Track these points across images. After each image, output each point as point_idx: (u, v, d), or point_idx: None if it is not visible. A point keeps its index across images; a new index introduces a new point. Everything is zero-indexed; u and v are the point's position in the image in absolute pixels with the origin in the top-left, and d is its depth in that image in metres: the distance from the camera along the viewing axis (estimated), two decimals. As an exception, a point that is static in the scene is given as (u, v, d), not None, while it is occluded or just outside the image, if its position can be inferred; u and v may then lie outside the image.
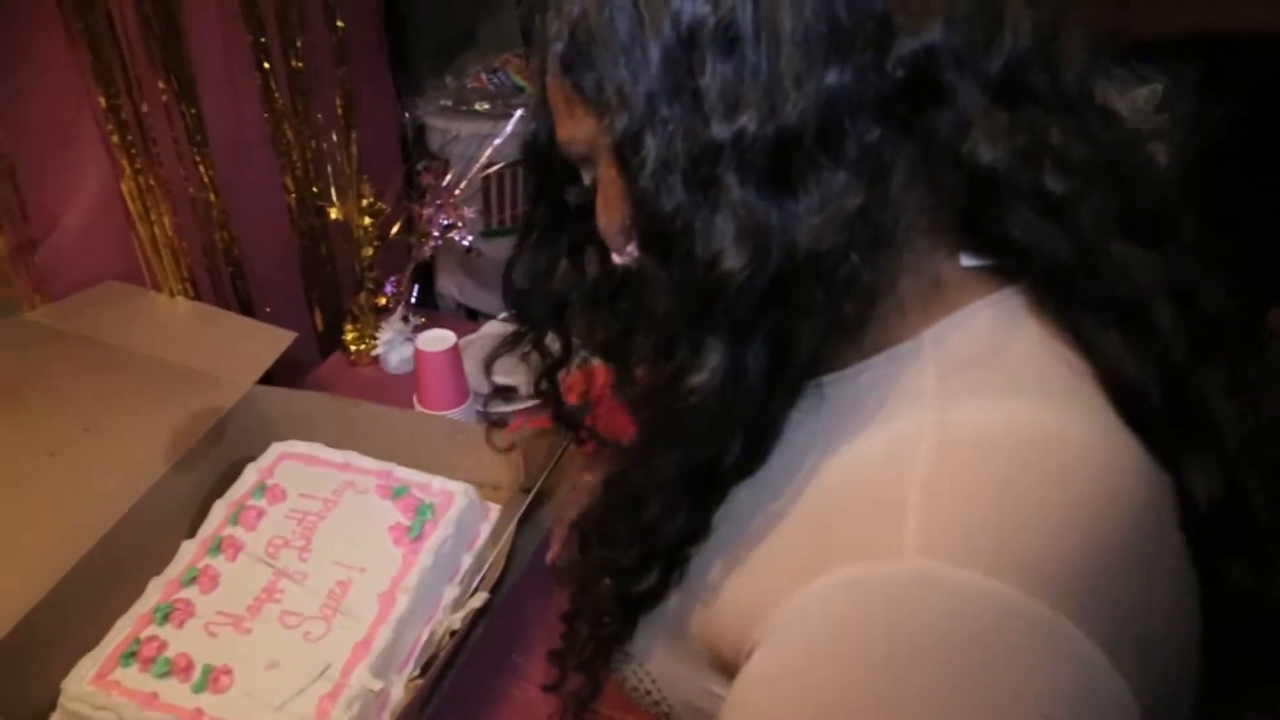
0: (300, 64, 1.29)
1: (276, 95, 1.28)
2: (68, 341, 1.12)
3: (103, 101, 1.08)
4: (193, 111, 1.18)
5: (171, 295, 1.23)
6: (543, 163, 0.55)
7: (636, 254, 0.47)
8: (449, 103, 1.76)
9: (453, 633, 0.85)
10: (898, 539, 0.38)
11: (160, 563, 0.95)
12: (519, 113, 1.55)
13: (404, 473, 1.04)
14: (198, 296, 1.26)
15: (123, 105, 1.09)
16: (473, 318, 1.86)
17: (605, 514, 0.52)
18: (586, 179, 0.53)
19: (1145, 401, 0.42)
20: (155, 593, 0.91)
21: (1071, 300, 0.43)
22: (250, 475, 1.04)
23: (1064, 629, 0.36)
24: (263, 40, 1.24)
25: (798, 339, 0.43)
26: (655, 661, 0.55)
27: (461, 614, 0.85)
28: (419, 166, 1.76)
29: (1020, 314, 0.45)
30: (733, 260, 0.41)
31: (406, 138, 1.74)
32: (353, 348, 1.37)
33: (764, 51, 0.39)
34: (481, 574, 0.92)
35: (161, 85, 1.14)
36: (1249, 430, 0.43)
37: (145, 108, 1.12)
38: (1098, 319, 0.43)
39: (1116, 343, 0.42)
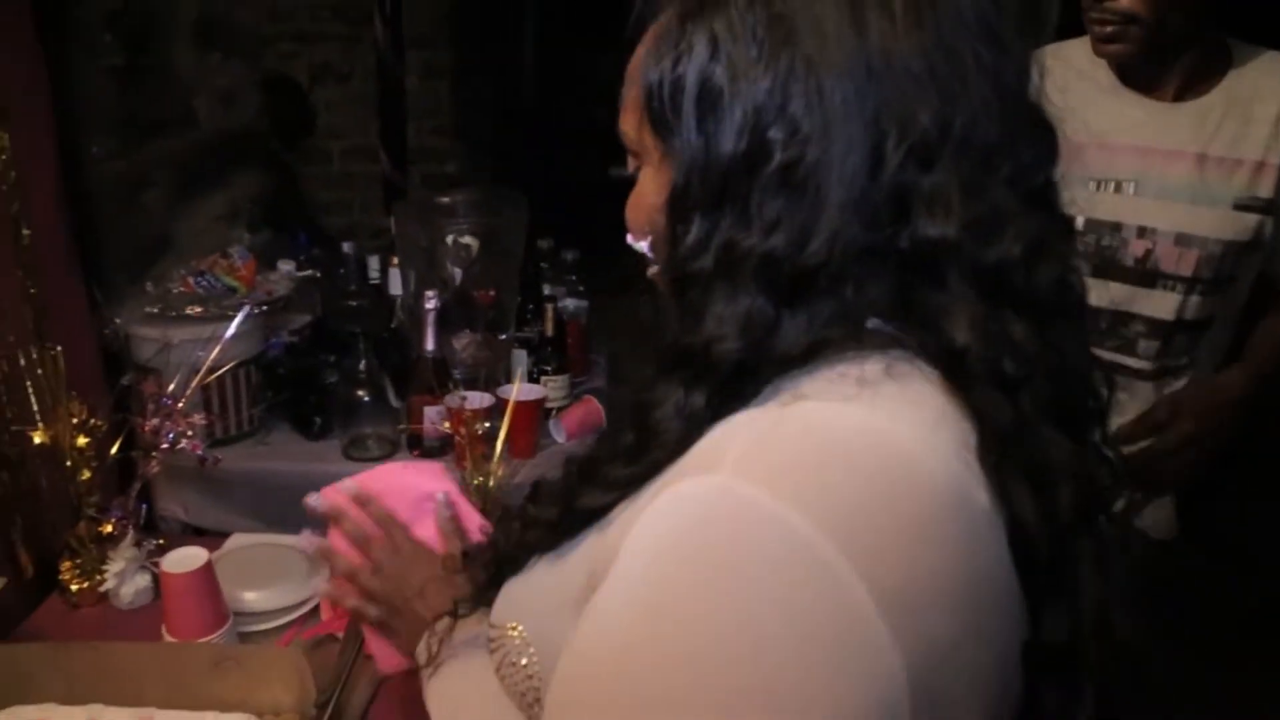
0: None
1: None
2: None
3: None
4: None
5: None
6: None
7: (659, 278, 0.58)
8: (155, 310, 1.64)
9: None
10: (719, 462, 0.46)
11: None
12: (242, 312, 1.49)
13: (166, 716, 0.91)
14: None
15: None
16: (200, 536, 1.68)
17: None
18: (630, 167, 0.60)
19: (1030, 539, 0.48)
20: None
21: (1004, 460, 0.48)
22: (-35, 761, 0.86)
23: (830, 559, 0.42)
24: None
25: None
26: (535, 620, 0.58)
27: None
28: (125, 380, 1.62)
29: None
30: (731, 344, 0.49)
31: (114, 351, 1.59)
32: (73, 586, 1.19)
33: (808, 202, 0.48)
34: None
35: None
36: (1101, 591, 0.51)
37: None
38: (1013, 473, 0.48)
39: (1023, 491, 0.48)
